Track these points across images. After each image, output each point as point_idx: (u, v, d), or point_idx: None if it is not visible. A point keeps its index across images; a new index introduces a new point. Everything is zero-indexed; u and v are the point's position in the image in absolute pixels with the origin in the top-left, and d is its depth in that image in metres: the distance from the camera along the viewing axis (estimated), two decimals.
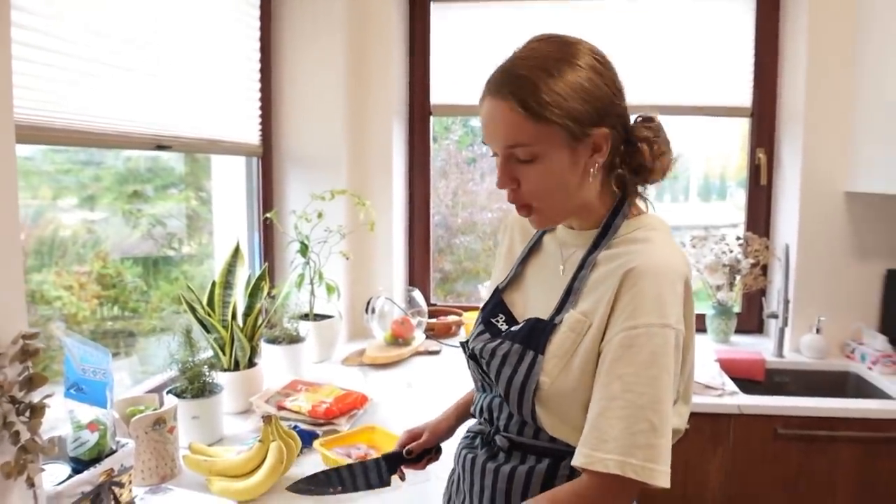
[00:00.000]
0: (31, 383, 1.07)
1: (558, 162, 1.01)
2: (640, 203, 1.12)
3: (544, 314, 1.09)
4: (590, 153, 1.02)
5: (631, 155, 1.07)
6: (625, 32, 2.72)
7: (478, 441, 1.19)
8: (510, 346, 1.08)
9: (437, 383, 2.24)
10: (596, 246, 1.07)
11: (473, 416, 1.24)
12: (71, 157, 1.83)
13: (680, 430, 1.08)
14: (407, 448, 1.34)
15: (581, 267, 1.07)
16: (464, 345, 1.22)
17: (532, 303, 1.17)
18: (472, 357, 1.17)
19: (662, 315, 0.95)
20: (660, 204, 3.12)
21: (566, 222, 1.13)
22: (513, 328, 1.13)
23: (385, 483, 1.33)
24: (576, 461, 0.95)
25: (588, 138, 1.01)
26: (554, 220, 1.10)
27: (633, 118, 1.10)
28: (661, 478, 0.92)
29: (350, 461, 1.53)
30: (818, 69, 2.46)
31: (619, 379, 0.95)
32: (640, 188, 1.12)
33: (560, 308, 1.06)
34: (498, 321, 1.17)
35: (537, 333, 1.06)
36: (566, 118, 0.98)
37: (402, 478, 1.36)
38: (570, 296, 1.06)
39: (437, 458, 1.38)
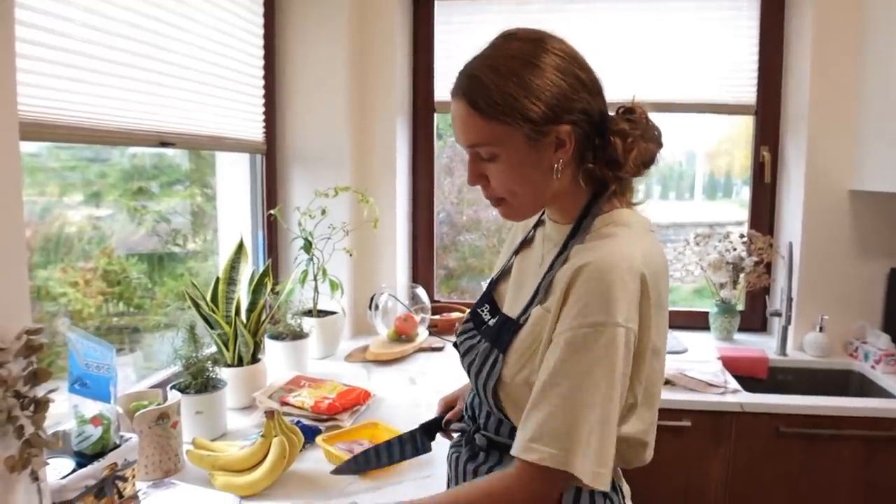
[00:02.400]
0: (35, 378, 1.07)
1: (518, 160, 1.01)
2: (623, 198, 1.10)
3: (514, 309, 1.11)
4: (553, 149, 1.01)
5: (604, 149, 1.05)
6: (628, 30, 2.72)
7: (462, 440, 1.21)
8: (482, 344, 1.11)
9: (441, 380, 2.24)
10: (566, 243, 1.06)
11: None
12: (76, 153, 1.84)
13: (644, 439, 1.05)
14: (446, 418, 1.37)
15: (552, 264, 1.07)
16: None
17: (513, 294, 1.17)
18: (456, 347, 1.20)
19: (610, 313, 0.93)
20: (665, 201, 3.13)
21: (551, 215, 1.14)
22: (490, 322, 1.14)
23: (426, 450, 1.39)
24: (525, 454, 0.95)
25: (547, 136, 1.00)
26: (525, 213, 1.10)
27: (614, 111, 1.08)
28: (602, 481, 0.93)
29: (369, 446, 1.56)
30: (823, 67, 2.45)
31: (567, 378, 0.94)
32: (621, 182, 1.08)
33: (528, 305, 1.07)
34: (483, 311, 1.19)
35: (504, 332, 1.08)
36: (519, 119, 0.98)
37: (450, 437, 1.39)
38: (538, 292, 1.06)
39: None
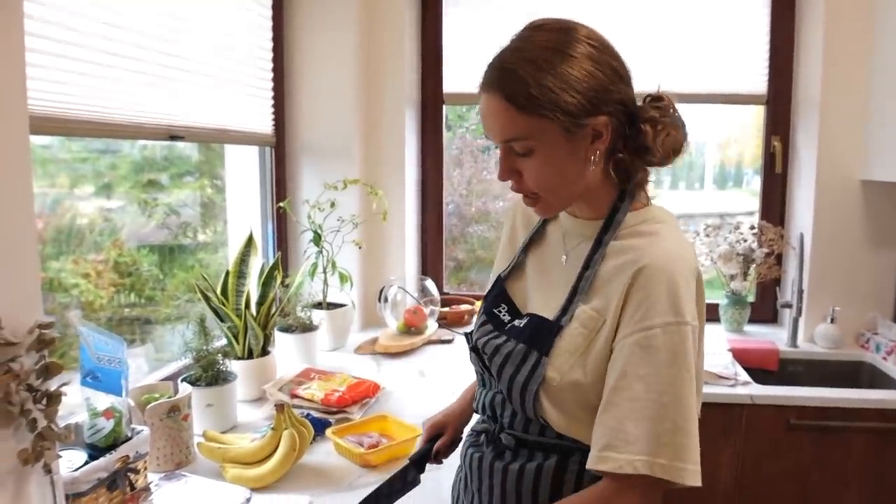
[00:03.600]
0: (47, 371, 1.08)
1: (555, 153, 0.99)
2: (644, 192, 1.09)
3: (547, 307, 1.08)
4: (589, 141, 1.00)
5: (634, 137, 1.03)
6: (638, 19, 2.69)
7: (483, 439, 1.18)
8: (514, 345, 1.07)
9: (450, 372, 2.24)
10: (600, 240, 1.05)
11: (476, 412, 1.23)
12: (87, 145, 1.84)
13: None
14: (435, 450, 1.35)
15: (588, 261, 1.04)
16: (468, 336, 1.20)
17: (533, 293, 1.15)
18: (475, 350, 1.15)
19: (678, 312, 0.94)
20: (675, 192, 3.12)
21: (571, 210, 1.12)
22: (516, 322, 1.11)
23: (417, 483, 1.34)
24: (602, 466, 0.93)
25: (585, 128, 0.98)
26: (558, 208, 1.08)
27: (641, 99, 1.06)
28: (691, 476, 0.92)
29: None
30: (835, 56, 2.43)
31: (641, 380, 0.93)
32: (645, 174, 1.07)
33: (567, 306, 1.04)
34: (501, 312, 1.16)
35: (543, 334, 1.04)
36: (557, 111, 0.95)
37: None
38: (577, 293, 1.04)
39: (456, 447, 1.38)
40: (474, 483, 1.16)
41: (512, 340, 1.08)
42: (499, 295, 1.18)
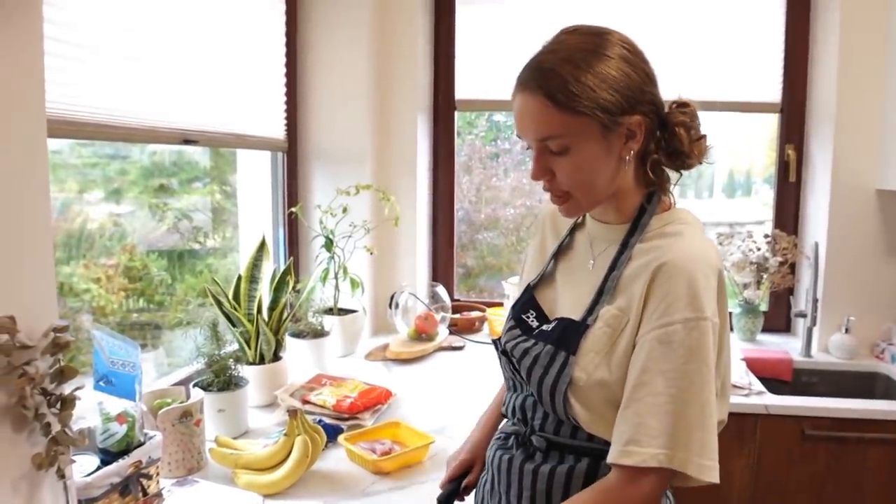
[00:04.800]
0: (61, 375, 1.07)
1: (591, 152, 1.01)
2: (670, 195, 1.12)
3: (574, 311, 1.09)
4: (624, 140, 1.03)
5: (668, 140, 1.07)
6: (651, 26, 2.68)
7: (512, 441, 1.18)
8: (542, 346, 1.08)
9: (461, 379, 2.23)
10: (626, 242, 1.07)
11: (505, 416, 1.23)
12: (97, 150, 1.84)
13: (722, 421, 1.08)
14: (465, 485, 1.32)
15: (614, 263, 1.06)
16: (496, 342, 1.22)
17: (561, 299, 1.16)
18: (504, 353, 1.17)
19: (698, 308, 0.95)
20: (683, 200, 3.09)
21: (598, 216, 1.14)
22: (544, 327, 1.12)
23: None
24: (625, 460, 0.95)
25: (620, 127, 1.01)
26: (586, 208, 1.10)
27: (667, 104, 1.10)
28: (709, 472, 0.93)
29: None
30: (850, 64, 2.41)
31: (662, 375, 0.95)
32: (670, 179, 1.12)
33: (593, 307, 1.06)
34: (529, 317, 1.17)
35: (569, 334, 1.06)
36: (596, 109, 0.98)
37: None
38: (603, 294, 1.06)
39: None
40: (502, 485, 1.16)
41: (540, 343, 1.09)
42: (527, 302, 1.20)
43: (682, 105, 1.09)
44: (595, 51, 1.00)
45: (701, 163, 1.09)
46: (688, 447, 0.93)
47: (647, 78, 1.04)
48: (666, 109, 1.08)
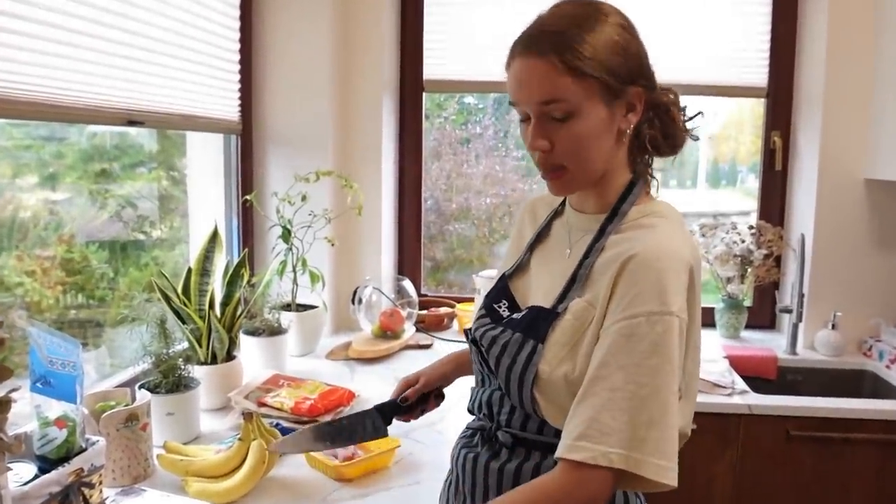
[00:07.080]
0: None
1: (594, 119, 1.04)
2: (649, 186, 1.16)
3: (546, 299, 1.12)
4: (624, 112, 1.07)
5: (661, 119, 1.12)
6: (632, 4, 2.71)
7: (477, 438, 1.20)
8: (511, 335, 1.11)
9: None
10: (603, 231, 1.09)
11: (471, 413, 1.25)
12: (30, 131, 1.81)
13: (685, 431, 1.08)
14: (402, 395, 1.38)
15: (589, 250, 1.09)
16: (467, 332, 1.24)
17: (535, 288, 1.19)
18: (474, 342, 1.19)
19: (664, 302, 0.97)
20: (666, 190, 3.13)
21: (577, 205, 1.17)
22: (514, 315, 1.15)
23: (381, 434, 1.37)
24: (574, 455, 0.93)
25: (624, 96, 1.05)
26: (580, 184, 1.12)
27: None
28: (666, 474, 0.92)
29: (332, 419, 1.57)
30: (839, 48, 2.47)
31: (622, 369, 0.95)
32: (650, 168, 1.17)
33: (563, 295, 1.08)
34: (500, 307, 1.20)
35: (539, 322, 1.08)
36: (604, 72, 1.02)
37: (409, 420, 1.43)
38: (574, 283, 1.08)
39: (437, 405, 1.44)
40: (466, 485, 1.18)
41: (509, 331, 1.12)
42: (501, 291, 1.23)
43: (666, 90, 1.13)
44: (597, 17, 1.04)
45: (683, 145, 1.16)
46: (643, 448, 0.92)
47: (644, 50, 1.09)
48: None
